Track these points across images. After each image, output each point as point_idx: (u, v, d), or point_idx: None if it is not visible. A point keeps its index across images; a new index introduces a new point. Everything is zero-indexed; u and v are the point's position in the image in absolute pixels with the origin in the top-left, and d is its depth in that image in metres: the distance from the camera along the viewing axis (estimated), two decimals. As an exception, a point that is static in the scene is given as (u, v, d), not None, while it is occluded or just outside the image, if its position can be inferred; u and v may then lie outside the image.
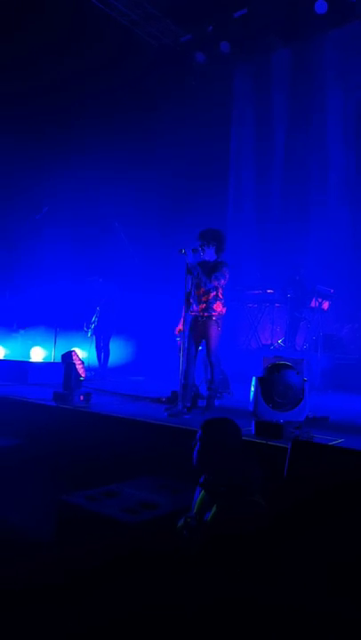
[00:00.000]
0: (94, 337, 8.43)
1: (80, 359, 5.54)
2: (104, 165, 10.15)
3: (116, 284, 8.73)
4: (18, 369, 7.58)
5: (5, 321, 10.03)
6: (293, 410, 3.91)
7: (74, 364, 5.41)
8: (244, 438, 2.99)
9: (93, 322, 8.39)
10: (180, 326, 5.13)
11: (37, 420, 5.18)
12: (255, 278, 9.87)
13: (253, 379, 4.01)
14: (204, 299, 5.01)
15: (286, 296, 8.65)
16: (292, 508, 2.61)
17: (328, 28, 9.64)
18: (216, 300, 5.01)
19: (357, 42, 9.45)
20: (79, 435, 4.75)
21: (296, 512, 2.56)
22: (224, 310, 5.09)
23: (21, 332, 10.05)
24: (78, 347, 7.78)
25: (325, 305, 8.56)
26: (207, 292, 4.99)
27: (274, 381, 3.91)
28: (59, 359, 5.94)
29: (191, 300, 5.06)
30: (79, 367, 5.43)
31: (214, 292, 5.00)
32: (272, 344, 8.96)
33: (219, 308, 5.03)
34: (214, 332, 4.99)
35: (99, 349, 8.47)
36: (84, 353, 8.31)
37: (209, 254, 5.12)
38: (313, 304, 8.42)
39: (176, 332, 5.46)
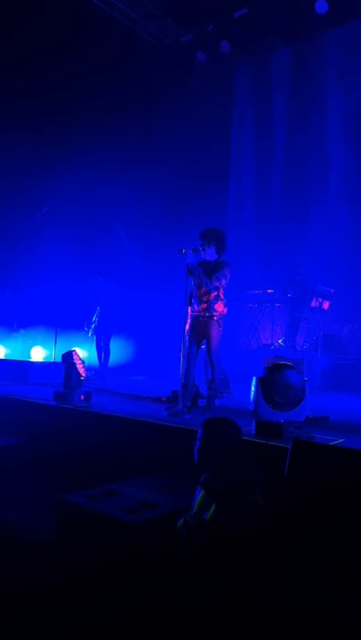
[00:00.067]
0: (95, 337, 8.43)
1: (80, 359, 5.54)
2: (104, 165, 10.15)
3: (117, 284, 8.73)
4: (18, 368, 7.58)
5: (6, 321, 10.04)
6: (294, 410, 3.91)
7: (74, 363, 5.41)
8: (244, 438, 2.99)
9: (94, 321, 8.39)
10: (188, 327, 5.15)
11: (38, 420, 5.18)
12: (255, 278, 9.87)
13: (254, 378, 4.01)
14: (205, 299, 5.00)
15: (287, 296, 8.65)
16: (292, 507, 2.61)
17: (328, 28, 9.64)
18: (217, 300, 5.00)
19: (358, 42, 9.45)
20: (80, 434, 4.75)
21: (296, 512, 2.56)
22: (225, 310, 5.08)
23: (22, 331, 10.06)
24: (79, 346, 7.78)
25: (326, 305, 8.56)
26: (208, 292, 4.99)
27: (274, 381, 3.91)
28: (59, 359, 5.94)
29: (192, 300, 5.06)
30: (79, 367, 5.43)
31: (215, 292, 5.00)
32: (272, 344, 8.96)
33: (220, 308, 5.03)
34: (215, 331, 4.99)
35: (99, 349, 8.47)
36: (84, 352, 8.32)
37: (210, 254, 5.11)
38: (313, 304, 8.42)
39: (185, 333, 5.46)
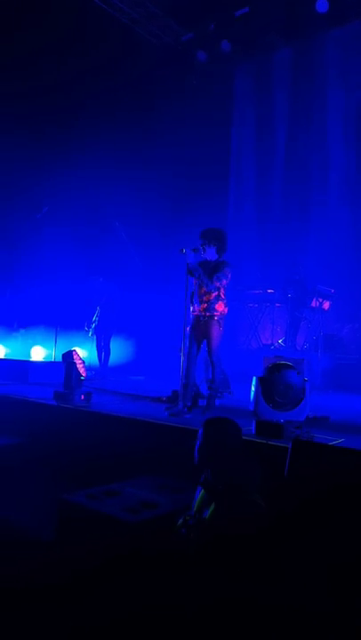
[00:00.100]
0: (95, 336, 8.43)
1: (81, 358, 5.54)
2: (104, 165, 10.15)
3: (117, 284, 8.73)
4: (18, 368, 7.59)
5: (6, 320, 10.04)
6: (294, 410, 3.91)
7: (74, 363, 5.41)
8: (244, 438, 2.99)
9: (94, 321, 8.39)
10: None
11: (38, 420, 5.18)
12: (256, 278, 9.86)
13: (254, 378, 4.01)
14: (205, 298, 5.01)
15: (287, 296, 8.65)
16: (292, 507, 2.62)
17: (329, 28, 9.63)
18: (218, 300, 5.01)
19: (358, 41, 9.44)
20: (80, 434, 4.75)
21: (297, 511, 2.56)
22: (226, 310, 5.08)
23: (22, 331, 10.06)
24: (79, 346, 7.79)
25: (326, 305, 8.55)
26: (209, 292, 4.99)
27: (274, 381, 3.91)
28: (59, 358, 5.94)
29: (193, 300, 5.07)
30: (80, 366, 5.43)
31: (216, 292, 5.00)
32: (273, 344, 8.96)
33: (221, 307, 5.03)
34: (216, 331, 4.99)
35: (99, 349, 8.47)
36: (84, 352, 8.32)
37: (210, 254, 5.11)
38: (314, 304, 8.42)
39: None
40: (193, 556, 2.18)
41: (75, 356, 5.45)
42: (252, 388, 3.99)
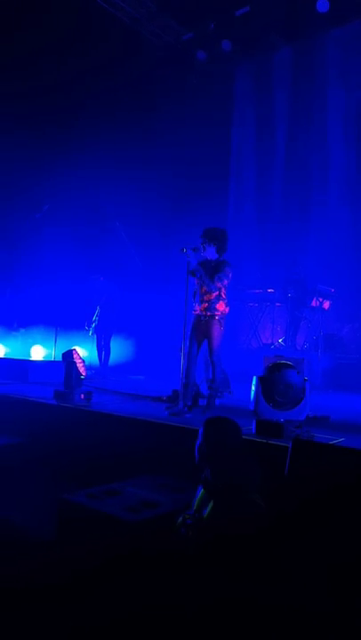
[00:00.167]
0: (95, 336, 8.44)
1: (81, 358, 5.54)
2: (105, 165, 10.15)
3: (117, 283, 8.73)
4: (18, 367, 7.59)
5: (6, 320, 10.04)
6: (294, 409, 3.91)
7: (74, 362, 5.41)
8: (244, 437, 2.99)
9: (94, 320, 8.40)
10: None
11: (38, 419, 5.18)
12: (256, 277, 9.87)
13: (254, 378, 4.02)
14: (206, 298, 5.02)
15: (287, 295, 8.65)
16: (292, 506, 2.62)
17: (330, 27, 9.63)
18: (219, 300, 5.02)
19: (359, 41, 9.44)
20: (80, 433, 4.75)
21: (297, 511, 2.56)
22: (227, 310, 5.09)
23: (22, 330, 10.06)
24: (79, 345, 7.79)
25: (326, 304, 8.56)
26: (210, 292, 5.00)
27: (275, 380, 3.91)
28: (59, 358, 5.94)
29: (193, 300, 5.08)
30: (80, 366, 5.43)
31: (217, 292, 5.01)
32: (273, 343, 8.97)
33: (221, 307, 5.04)
34: (217, 331, 5.00)
35: (99, 348, 8.47)
36: (84, 352, 8.32)
37: (210, 253, 5.12)
38: (314, 303, 8.42)
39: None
40: (192, 556, 2.18)
41: (75, 356, 5.45)
42: (253, 388, 3.99)
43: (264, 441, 3.64)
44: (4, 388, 6.31)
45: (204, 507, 2.63)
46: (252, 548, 2.13)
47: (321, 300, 8.45)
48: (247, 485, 2.55)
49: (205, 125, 10.63)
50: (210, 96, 10.87)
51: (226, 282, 5.01)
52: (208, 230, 5.17)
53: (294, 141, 10.27)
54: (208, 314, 5.01)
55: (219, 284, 4.96)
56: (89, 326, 8.45)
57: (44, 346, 9.31)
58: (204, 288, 5.02)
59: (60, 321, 8.73)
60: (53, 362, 7.88)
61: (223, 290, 5.03)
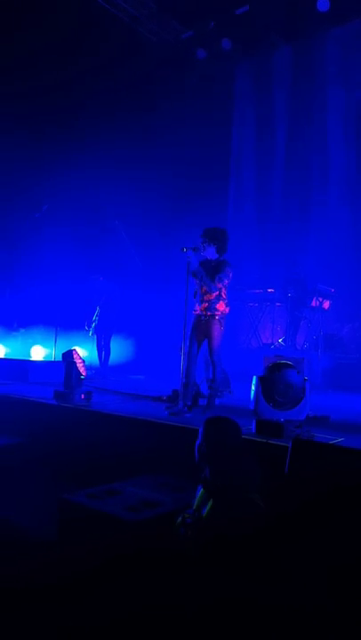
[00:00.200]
0: (95, 335, 8.44)
1: (81, 358, 5.54)
2: (104, 164, 10.15)
3: (117, 283, 8.74)
4: (18, 368, 7.59)
5: (6, 320, 10.04)
6: (294, 409, 3.91)
7: (74, 362, 5.42)
8: (244, 437, 2.99)
9: (94, 320, 8.40)
10: None
11: (38, 419, 5.19)
12: (256, 277, 9.87)
13: (254, 378, 4.02)
14: (206, 298, 5.03)
15: (287, 295, 8.65)
16: (292, 506, 2.62)
17: (330, 26, 9.62)
18: (219, 300, 5.03)
19: (359, 40, 9.43)
20: (80, 433, 4.76)
21: (297, 510, 2.56)
22: (227, 310, 5.10)
23: (22, 330, 10.06)
24: (79, 345, 7.79)
25: (326, 304, 8.56)
26: (210, 292, 5.02)
27: (275, 380, 3.92)
28: (59, 358, 5.95)
29: (194, 299, 5.09)
30: (80, 366, 5.43)
31: (217, 292, 5.03)
32: (273, 343, 8.97)
33: (222, 307, 5.05)
34: (217, 331, 5.01)
35: (99, 348, 8.48)
36: (84, 352, 8.33)
37: (210, 252, 5.13)
38: (314, 303, 8.42)
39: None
40: (192, 555, 2.19)
41: (75, 356, 5.45)
42: (253, 388, 3.99)
43: (264, 441, 3.65)
44: (4, 388, 6.32)
45: (203, 506, 2.64)
46: (252, 548, 2.13)
47: (321, 299, 8.45)
48: (247, 485, 2.55)
49: (205, 125, 10.63)
50: (210, 95, 10.87)
51: (226, 282, 5.02)
52: (208, 230, 5.17)
53: (294, 141, 10.26)
54: (208, 313, 5.02)
55: (219, 285, 4.98)
56: (89, 326, 8.45)
57: (43, 346, 9.32)
58: (205, 288, 5.03)
59: (60, 321, 8.74)
60: (53, 362, 7.89)
61: (223, 290, 5.05)
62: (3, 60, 9.00)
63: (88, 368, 6.11)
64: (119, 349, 8.97)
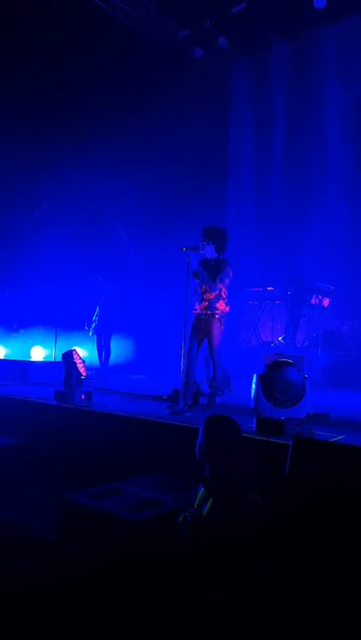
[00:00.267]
0: (95, 336, 8.44)
1: (81, 358, 5.54)
2: (104, 164, 10.15)
3: (117, 283, 8.73)
4: (19, 368, 7.59)
5: (5, 321, 10.04)
6: (294, 407, 3.91)
7: (75, 362, 5.42)
8: (245, 435, 2.99)
9: (94, 321, 8.40)
10: None
11: (39, 420, 5.19)
12: (255, 276, 9.85)
13: (254, 376, 4.02)
14: (206, 297, 5.04)
15: (286, 293, 8.64)
16: (294, 504, 2.62)
17: (327, 24, 9.60)
18: (219, 299, 5.03)
19: (356, 37, 9.42)
20: (81, 433, 4.76)
21: (298, 508, 2.56)
22: (227, 309, 5.11)
23: (21, 331, 10.06)
24: (79, 346, 7.79)
25: (326, 302, 8.55)
26: (210, 291, 5.02)
27: (275, 378, 3.91)
28: (59, 358, 5.95)
29: (194, 299, 5.10)
30: (80, 366, 5.43)
31: (217, 291, 5.03)
32: (273, 341, 8.96)
33: (222, 306, 5.05)
34: (217, 330, 5.01)
35: (100, 348, 8.48)
36: (84, 352, 8.33)
37: (209, 251, 5.13)
38: (313, 301, 8.41)
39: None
40: (192, 555, 2.19)
41: (75, 356, 5.45)
42: (253, 386, 3.99)
43: (265, 439, 3.65)
44: (4, 389, 6.32)
45: (203, 505, 2.64)
46: (252, 548, 2.13)
47: (320, 297, 8.44)
48: (247, 485, 2.55)
49: (204, 125, 10.61)
50: (208, 95, 10.85)
51: (227, 281, 5.04)
52: (208, 229, 5.17)
53: (293, 139, 10.25)
54: (208, 312, 5.03)
55: (220, 285, 5.00)
56: (89, 326, 8.45)
57: (43, 346, 9.31)
58: (204, 287, 5.04)
59: (60, 321, 8.74)
60: (53, 362, 7.89)
61: (224, 289, 5.05)
62: (3, 59, 9.00)
63: (88, 368, 6.11)
64: (119, 349, 8.97)
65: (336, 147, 9.82)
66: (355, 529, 2.33)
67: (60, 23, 9.03)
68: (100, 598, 1.65)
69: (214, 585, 1.78)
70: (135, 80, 10.74)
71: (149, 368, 8.96)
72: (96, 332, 8.40)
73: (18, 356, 9.38)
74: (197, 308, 5.11)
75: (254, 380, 3.99)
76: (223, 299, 5.06)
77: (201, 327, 5.08)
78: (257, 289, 9.47)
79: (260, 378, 3.97)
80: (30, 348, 9.47)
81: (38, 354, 9.34)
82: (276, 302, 9.18)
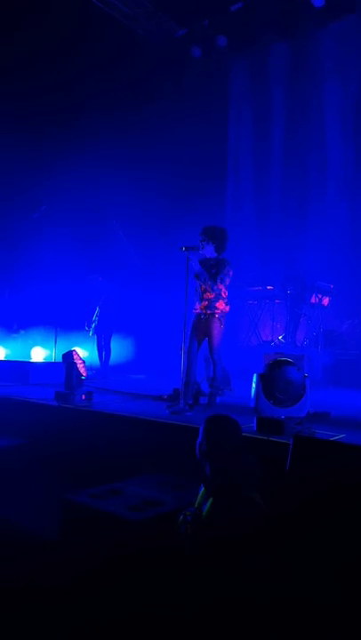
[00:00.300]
0: (95, 336, 8.45)
1: (81, 358, 5.55)
2: (104, 164, 10.15)
3: (116, 283, 8.74)
4: (19, 369, 7.59)
5: (5, 321, 10.04)
6: (294, 406, 3.92)
7: (75, 363, 5.42)
8: (245, 435, 2.99)
9: (94, 321, 8.40)
10: None
11: (39, 420, 5.19)
12: (255, 275, 9.85)
13: (254, 375, 4.02)
14: (206, 296, 5.05)
15: (286, 292, 8.64)
16: (294, 503, 2.62)
17: (325, 22, 9.59)
18: (219, 299, 5.04)
19: (355, 36, 9.41)
20: (81, 434, 4.76)
21: (299, 507, 2.57)
22: (227, 308, 5.12)
23: (21, 332, 10.07)
24: (79, 346, 7.80)
25: (325, 301, 8.55)
26: (210, 291, 5.03)
27: (275, 378, 3.92)
28: (59, 359, 5.95)
29: (194, 298, 5.11)
30: (80, 366, 5.44)
31: (217, 291, 5.04)
32: (273, 340, 8.96)
33: (222, 306, 5.06)
34: (217, 329, 5.02)
35: (100, 348, 8.48)
36: (84, 352, 8.33)
37: (209, 251, 5.14)
38: (313, 300, 8.41)
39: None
40: (191, 554, 2.19)
41: (75, 356, 5.46)
42: (253, 385, 4.00)
43: (265, 438, 3.65)
44: (5, 390, 6.32)
45: (204, 504, 2.64)
46: (252, 547, 2.13)
47: (320, 296, 8.44)
48: (246, 484, 2.55)
49: (202, 124, 10.61)
50: (206, 94, 10.84)
51: (228, 281, 5.05)
52: (207, 229, 5.18)
53: (292, 137, 10.24)
54: (208, 312, 5.04)
55: (221, 286, 5.01)
56: (89, 326, 8.45)
57: (44, 347, 9.32)
58: (204, 286, 5.05)
59: (60, 322, 8.74)
60: (54, 363, 7.89)
61: (224, 289, 5.06)
62: (3, 59, 9.00)
63: (88, 368, 6.12)
64: (119, 349, 8.98)
65: (335, 145, 9.81)
66: (356, 528, 2.33)
67: (59, 23, 9.03)
68: (100, 598, 1.65)
69: (214, 585, 1.78)
70: (134, 80, 10.74)
71: (150, 368, 8.96)
72: (96, 332, 8.40)
73: (18, 356, 9.39)
74: (197, 307, 5.12)
75: (254, 380, 4.00)
76: (223, 298, 5.07)
77: (201, 327, 5.09)
78: (257, 288, 9.47)
79: (260, 377, 3.98)
80: (30, 348, 9.48)
81: (38, 354, 9.35)
82: (276, 301, 9.18)
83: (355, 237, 9.32)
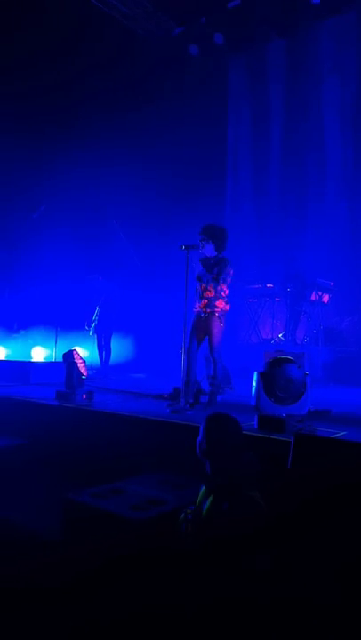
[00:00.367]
0: (95, 335, 8.45)
1: (81, 358, 5.55)
2: (104, 164, 10.14)
3: (116, 283, 8.74)
4: (20, 369, 7.59)
5: (6, 322, 10.04)
6: (295, 403, 3.93)
7: (75, 362, 5.42)
8: (246, 433, 2.99)
9: (94, 320, 8.41)
10: None
11: (40, 420, 5.20)
12: (255, 273, 9.85)
13: (255, 373, 4.03)
14: (206, 295, 5.05)
15: (286, 290, 8.64)
16: (296, 500, 2.62)
17: (323, 19, 9.58)
18: (219, 297, 5.04)
19: (352, 32, 9.40)
20: (82, 433, 4.77)
21: (300, 505, 2.57)
22: (228, 307, 5.12)
23: (22, 332, 10.07)
24: (79, 345, 7.80)
25: (325, 298, 8.55)
26: (210, 290, 5.03)
27: (275, 375, 3.93)
28: (60, 358, 5.95)
29: (194, 297, 5.11)
30: (81, 366, 5.44)
31: (219, 291, 5.04)
32: (273, 338, 8.96)
33: (222, 304, 5.06)
34: (217, 327, 5.02)
35: (100, 348, 8.49)
36: (85, 352, 8.33)
37: (208, 250, 5.14)
38: (313, 297, 8.41)
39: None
40: (192, 553, 2.19)
41: (75, 356, 5.46)
42: (254, 383, 4.00)
43: (266, 436, 3.65)
44: (5, 389, 6.32)
45: (204, 502, 2.64)
46: (252, 547, 2.13)
47: (320, 293, 8.44)
48: (247, 483, 2.55)
49: (201, 124, 10.60)
50: (205, 93, 10.83)
51: (229, 280, 5.06)
52: (207, 228, 5.17)
53: (290, 135, 10.23)
54: (208, 311, 5.04)
55: (223, 286, 5.02)
56: (89, 326, 8.46)
57: (44, 347, 9.32)
58: (204, 285, 5.05)
59: (60, 321, 8.74)
60: (54, 363, 7.89)
61: (225, 288, 5.07)
62: (3, 60, 8.99)
63: (89, 368, 6.13)
64: (120, 348, 8.98)
65: (334, 143, 9.81)
66: (357, 526, 2.33)
67: (59, 23, 9.03)
68: (101, 598, 1.65)
69: (214, 584, 1.78)
70: (134, 79, 10.72)
71: (150, 367, 8.96)
72: (96, 331, 8.41)
73: (18, 356, 9.39)
74: (197, 306, 5.12)
75: (255, 378, 4.00)
76: (223, 297, 5.07)
77: (201, 325, 5.09)
78: (256, 286, 9.47)
79: (260, 375, 3.98)
80: (31, 348, 9.48)
81: (39, 354, 9.35)
82: (276, 299, 9.18)
83: (354, 235, 9.32)
